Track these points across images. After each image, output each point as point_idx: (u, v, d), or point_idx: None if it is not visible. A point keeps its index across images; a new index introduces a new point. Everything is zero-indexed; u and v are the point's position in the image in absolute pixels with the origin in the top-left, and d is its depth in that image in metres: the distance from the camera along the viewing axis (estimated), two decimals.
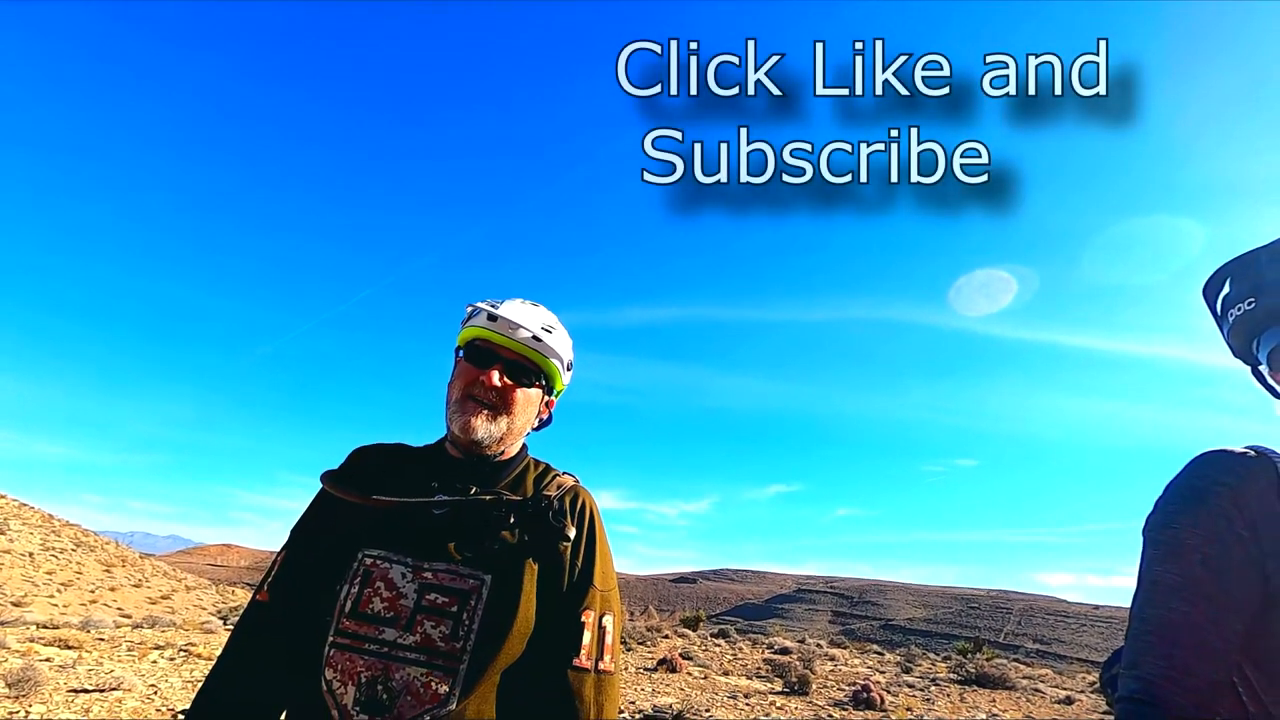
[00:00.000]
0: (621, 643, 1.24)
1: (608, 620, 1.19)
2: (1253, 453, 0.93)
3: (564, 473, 1.30)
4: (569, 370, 1.30)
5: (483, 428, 1.17)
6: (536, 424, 1.29)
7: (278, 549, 1.24)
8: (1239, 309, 1.02)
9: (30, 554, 27.35)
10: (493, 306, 1.21)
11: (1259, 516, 0.88)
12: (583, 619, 1.16)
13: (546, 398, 1.29)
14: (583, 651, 1.14)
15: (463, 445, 1.20)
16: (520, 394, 1.21)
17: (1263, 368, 1.02)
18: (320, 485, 1.21)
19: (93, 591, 25.78)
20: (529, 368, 1.22)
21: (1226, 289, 1.05)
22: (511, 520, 1.16)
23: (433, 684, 1.04)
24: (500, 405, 1.19)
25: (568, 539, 1.17)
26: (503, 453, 1.24)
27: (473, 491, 1.17)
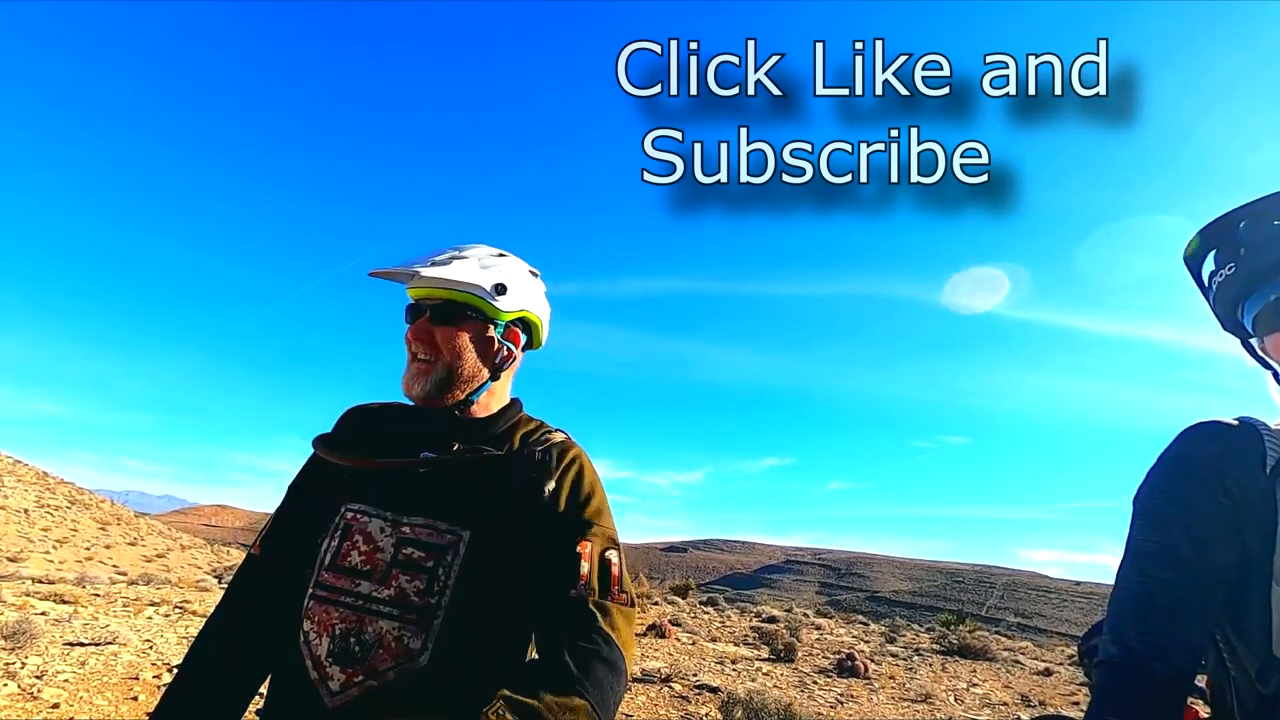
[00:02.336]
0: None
1: (612, 554, 1.13)
2: (1239, 423, 0.93)
3: (555, 429, 1.26)
4: (501, 294, 1.19)
5: (417, 385, 1.16)
6: (496, 361, 1.22)
7: (274, 509, 1.26)
8: (1220, 275, 0.99)
9: (25, 510, 27.47)
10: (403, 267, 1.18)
11: (1241, 486, 0.88)
12: (578, 549, 1.10)
13: (492, 331, 1.21)
14: (580, 580, 1.07)
15: (419, 404, 1.19)
16: (441, 335, 1.16)
17: (1252, 340, 0.99)
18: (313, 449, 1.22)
19: (88, 549, 25.99)
20: (449, 307, 1.17)
21: (1209, 261, 1.03)
22: (494, 475, 1.14)
23: (405, 638, 1.03)
24: (430, 355, 1.17)
25: (543, 491, 1.14)
26: (470, 402, 1.20)
27: (455, 448, 1.16)
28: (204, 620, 1.23)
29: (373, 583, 1.06)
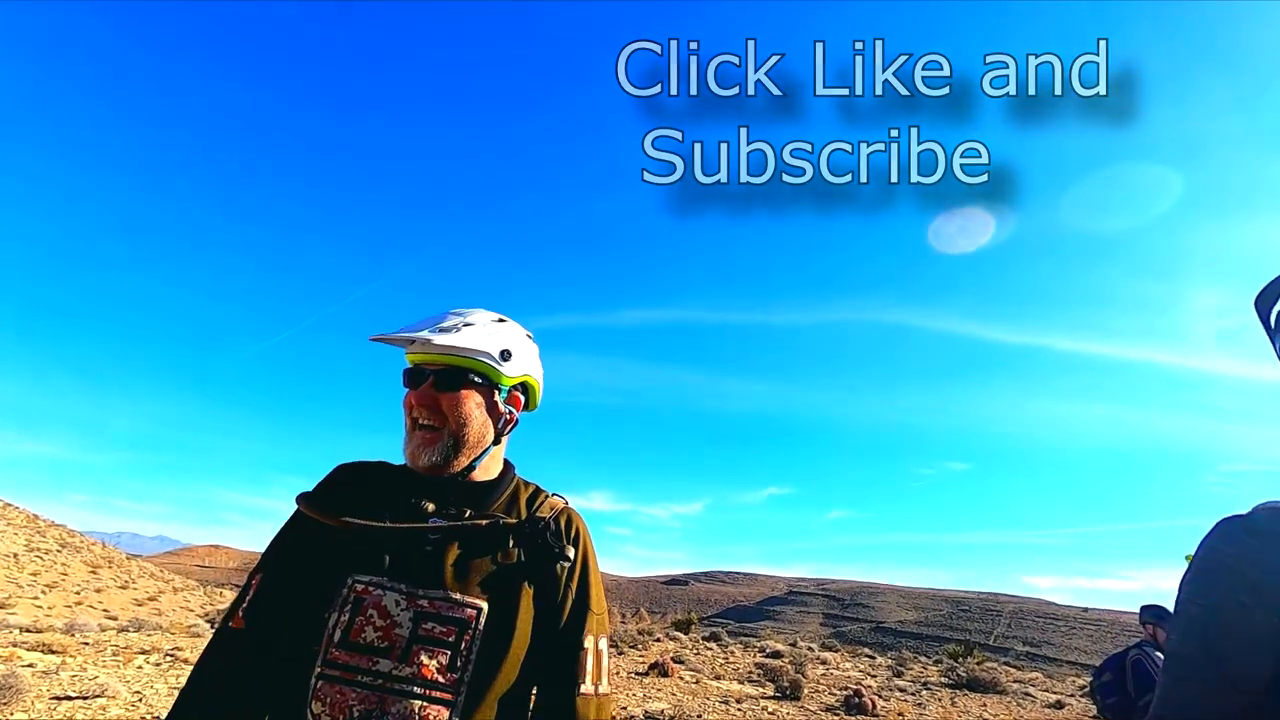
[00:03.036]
0: (613, 647, 1.27)
1: (603, 643, 1.21)
2: (1268, 513, 0.93)
3: (555, 494, 1.27)
4: (506, 360, 1.19)
5: (424, 454, 1.12)
6: (499, 425, 1.21)
7: (253, 574, 1.16)
8: None
9: (14, 555, 27.01)
10: (405, 331, 1.16)
11: (1264, 578, 0.87)
12: (584, 644, 1.16)
13: (496, 397, 1.20)
14: (588, 677, 1.14)
15: (424, 473, 1.15)
16: (447, 402, 1.14)
17: None
18: (296, 507, 1.15)
19: (78, 593, 25.49)
20: (453, 373, 1.15)
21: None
22: (509, 543, 1.13)
23: (430, 716, 1.01)
24: (436, 423, 1.14)
25: (567, 559, 1.15)
26: (472, 468, 1.18)
27: (467, 515, 1.13)
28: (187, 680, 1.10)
29: (392, 660, 1.01)
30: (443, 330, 1.15)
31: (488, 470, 1.22)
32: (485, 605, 1.07)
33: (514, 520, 1.15)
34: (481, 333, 1.18)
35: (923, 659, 19.39)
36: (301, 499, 1.15)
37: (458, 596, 1.07)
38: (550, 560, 1.14)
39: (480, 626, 1.06)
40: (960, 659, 18.02)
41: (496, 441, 1.22)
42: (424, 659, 1.02)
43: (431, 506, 1.13)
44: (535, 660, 1.12)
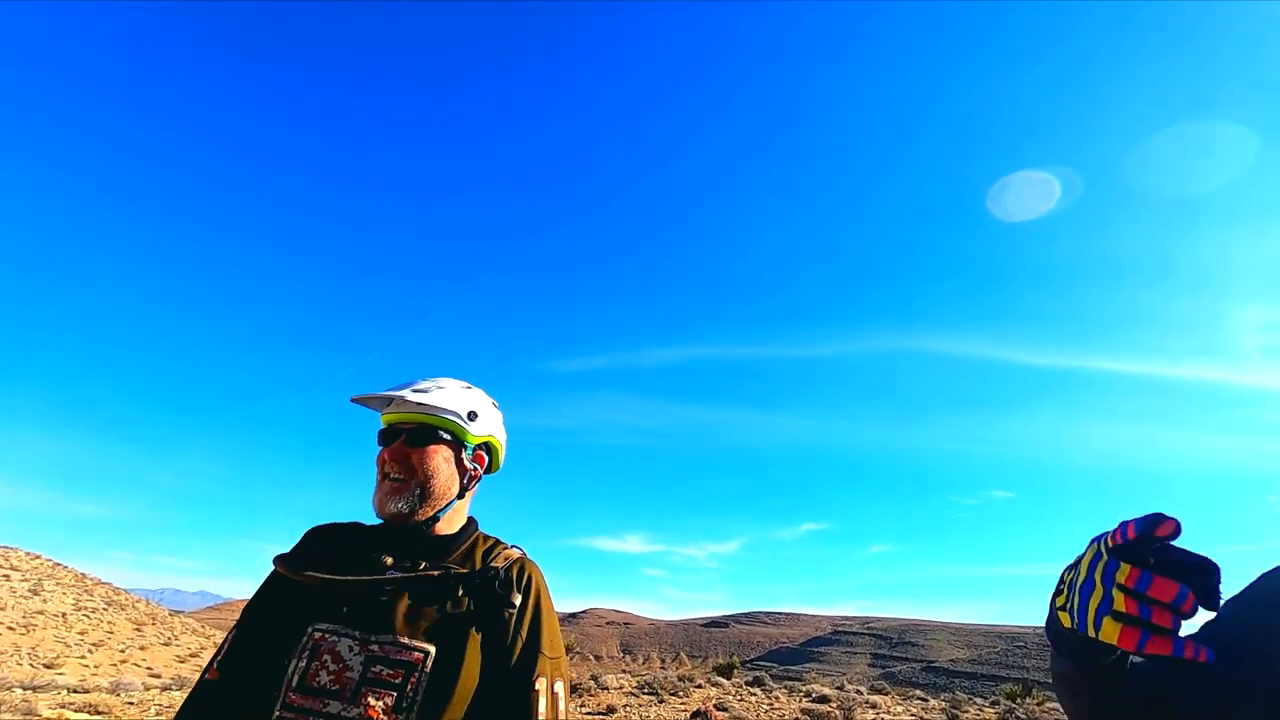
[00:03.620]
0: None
1: (559, 687, 1.22)
2: None
3: (512, 546, 1.35)
4: (473, 420, 1.32)
5: (391, 502, 1.22)
6: (464, 480, 1.32)
7: (230, 631, 1.25)
8: None
9: (63, 614, 27.54)
10: (382, 394, 1.29)
11: None
12: (536, 686, 1.18)
13: (463, 454, 1.32)
14: (540, 718, 1.16)
15: (390, 521, 1.24)
16: (417, 457, 1.25)
17: None
18: (273, 568, 1.24)
19: (123, 651, 25.82)
20: (424, 430, 1.27)
21: None
22: (459, 592, 1.20)
23: None
24: (404, 475, 1.24)
25: (512, 605, 1.21)
26: (435, 520, 1.27)
27: (422, 567, 1.21)
28: None
29: (341, 702, 1.07)
30: (417, 391, 1.29)
31: (450, 523, 1.32)
32: (433, 649, 1.13)
33: (465, 570, 1.23)
34: (451, 395, 1.31)
35: (978, 700, 18.48)
36: (277, 560, 1.25)
37: (406, 640, 1.13)
38: (499, 607, 1.20)
39: (427, 669, 1.11)
40: (1019, 699, 17.14)
41: (460, 496, 1.33)
42: (371, 700, 1.08)
43: (390, 560, 1.22)
44: (486, 703, 1.15)
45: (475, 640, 1.16)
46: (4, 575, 28.65)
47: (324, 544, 1.27)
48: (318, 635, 1.13)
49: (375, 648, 1.11)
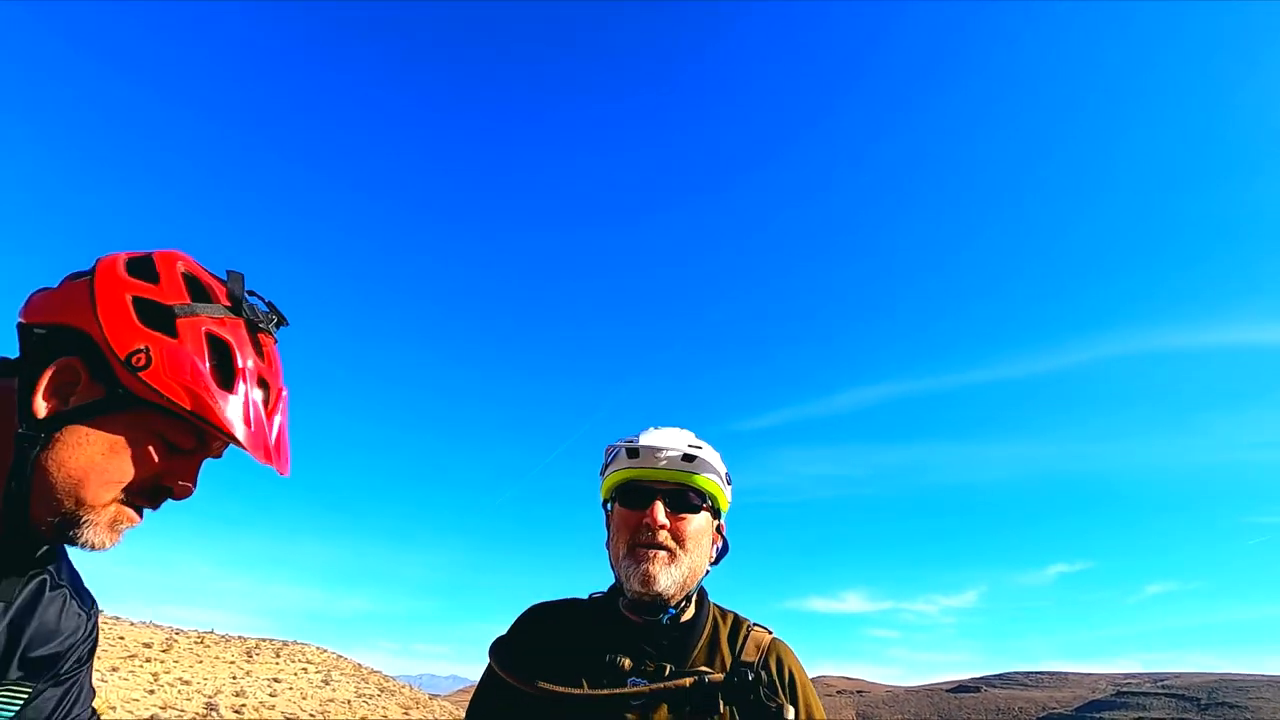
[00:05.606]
0: None
1: None
2: None
3: (756, 625, 1.15)
4: (729, 484, 1.14)
5: (664, 575, 1.06)
6: (714, 556, 1.15)
7: None
8: None
9: (348, 701, 31.72)
10: (629, 442, 1.12)
11: None
12: None
13: (716, 522, 1.15)
14: None
15: (646, 600, 1.07)
16: (690, 525, 1.08)
17: None
18: (489, 658, 1.12)
19: None
20: (691, 493, 1.09)
21: None
22: (720, 704, 1.03)
23: None
24: (675, 544, 1.07)
25: None
26: (683, 605, 1.10)
27: (668, 671, 1.05)
28: None
29: None
30: (694, 446, 1.11)
31: (690, 606, 1.14)
32: None
33: (719, 675, 1.05)
34: (712, 453, 1.14)
35: None
36: (494, 652, 1.11)
37: None
38: (766, 719, 1.03)
39: None
40: None
41: (707, 573, 1.16)
42: None
43: (628, 663, 1.06)
44: None
45: None
46: (302, 668, 33.69)
47: (543, 631, 1.14)
48: None
49: None
